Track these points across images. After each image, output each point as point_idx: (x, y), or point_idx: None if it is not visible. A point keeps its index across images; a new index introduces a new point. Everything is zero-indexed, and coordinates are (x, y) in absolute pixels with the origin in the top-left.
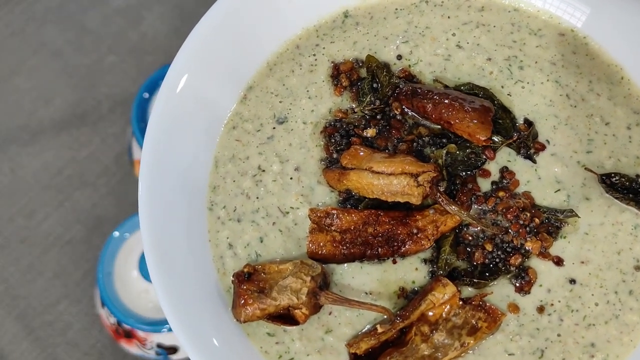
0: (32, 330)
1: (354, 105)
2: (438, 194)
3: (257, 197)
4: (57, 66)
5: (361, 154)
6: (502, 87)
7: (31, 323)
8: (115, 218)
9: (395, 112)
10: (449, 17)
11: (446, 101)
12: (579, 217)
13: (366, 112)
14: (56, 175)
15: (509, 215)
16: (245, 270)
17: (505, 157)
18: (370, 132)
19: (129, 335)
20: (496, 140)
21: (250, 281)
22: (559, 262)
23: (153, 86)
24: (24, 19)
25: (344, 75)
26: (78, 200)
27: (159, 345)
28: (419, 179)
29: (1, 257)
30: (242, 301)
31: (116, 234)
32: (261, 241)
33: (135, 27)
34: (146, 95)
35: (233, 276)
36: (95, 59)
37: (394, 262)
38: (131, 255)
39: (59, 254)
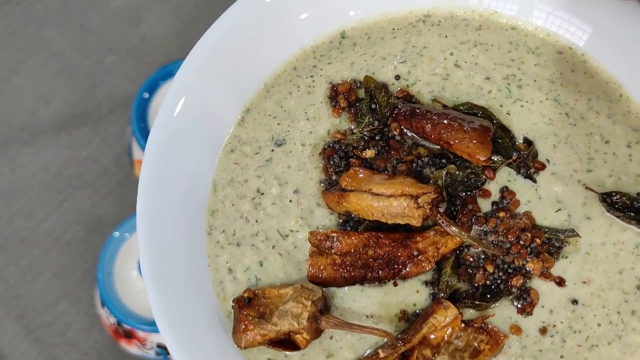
0: (32, 330)
1: (352, 126)
2: (438, 215)
3: (257, 221)
4: (57, 66)
5: (360, 175)
6: (501, 106)
7: (31, 323)
8: (115, 218)
9: (394, 132)
10: (446, 37)
11: (445, 121)
12: (580, 236)
13: (365, 133)
14: (56, 175)
15: (509, 236)
16: (245, 295)
17: (506, 177)
18: (369, 153)
19: (129, 335)
20: (496, 160)
21: (250, 306)
22: (560, 282)
23: (153, 86)
24: (23, 19)
25: (342, 96)
26: (78, 201)
27: (159, 345)
28: (419, 200)
29: (1, 257)
30: (243, 327)
31: (116, 234)
32: (261, 265)
33: (135, 28)
34: (146, 95)
35: (233, 301)
36: (95, 60)
37: (395, 284)
38: (131, 255)
39: (59, 254)
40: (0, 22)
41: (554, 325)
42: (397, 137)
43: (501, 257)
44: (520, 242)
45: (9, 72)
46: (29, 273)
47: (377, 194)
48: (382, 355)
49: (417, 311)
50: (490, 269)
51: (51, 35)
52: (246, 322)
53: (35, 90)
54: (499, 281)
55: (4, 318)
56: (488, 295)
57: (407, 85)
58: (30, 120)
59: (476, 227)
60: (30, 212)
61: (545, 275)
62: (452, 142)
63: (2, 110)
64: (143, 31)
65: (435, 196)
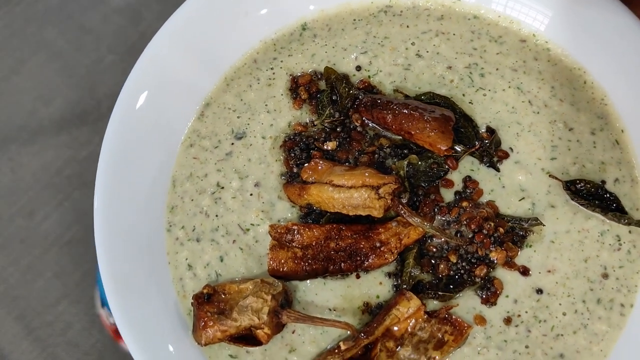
0: (32, 330)
1: (313, 118)
2: (400, 206)
3: (217, 215)
4: (56, 66)
5: (321, 167)
6: (464, 95)
7: (31, 323)
8: None
9: (356, 123)
10: (407, 27)
11: (405, 111)
12: (544, 225)
13: (326, 124)
14: (56, 174)
15: (472, 226)
16: (205, 291)
17: (469, 166)
18: (330, 145)
19: None
20: (458, 149)
21: (210, 302)
22: (525, 271)
23: None
24: (23, 19)
25: (303, 88)
26: (78, 200)
27: None
28: (380, 191)
29: (1, 257)
30: (202, 323)
31: None
32: (221, 260)
33: (134, 27)
34: None
35: (192, 298)
36: (94, 59)
37: (358, 277)
38: None
39: (59, 254)
40: (0, 22)
41: (519, 315)
42: (359, 129)
43: (464, 247)
44: (484, 231)
45: (9, 72)
46: (29, 273)
47: (338, 186)
48: (343, 347)
49: (381, 303)
50: (453, 259)
51: (51, 35)
52: (206, 319)
53: (35, 89)
54: (462, 271)
55: (5, 318)
56: (452, 286)
57: (369, 76)
58: (30, 119)
59: (439, 217)
60: (31, 212)
61: (509, 264)
62: (413, 132)
63: (2, 110)
64: (143, 30)
65: (396, 186)
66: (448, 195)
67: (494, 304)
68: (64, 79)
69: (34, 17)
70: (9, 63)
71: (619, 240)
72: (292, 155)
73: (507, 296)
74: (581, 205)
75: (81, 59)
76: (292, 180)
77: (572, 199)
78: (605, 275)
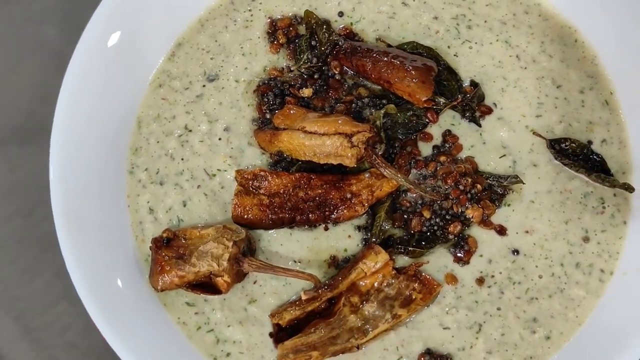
0: (31, 330)
1: (290, 64)
2: (374, 156)
3: (182, 159)
4: (55, 66)
5: (293, 112)
6: (449, 47)
7: (30, 324)
8: None
9: (334, 71)
10: None
11: (385, 59)
12: (524, 183)
13: (303, 70)
14: None
15: (449, 181)
16: (164, 235)
17: (449, 120)
18: (306, 92)
19: None
20: (439, 102)
21: (169, 247)
22: (501, 231)
23: None
24: (22, 19)
25: (281, 32)
26: None
27: None
28: (353, 139)
29: (0, 257)
30: (159, 268)
31: None
32: (184, 205)
33: None
34: None
35: (151, 242)
36: None
37: (326, 228)
38: None
39: (58, 254)
40: None
41: (492, 276)
42: (337, 76)
43: (439, 202)
44: (460, 187)
45: (7, 72)
46: (28, 273)
47: (310, 132)
48: (304, 297)
49: (348, 257)
50: (427, 214)
51: (49, 34)
52: (163, 263)
53: (34, 89)
54: (435, 228)
55: (3, 318)
56: (424, 242)
57: (351, 23)
58: (29, 119)
59: (414, 171)
60: (29, 212)
61: (486, 223)
62: (392, 81)
63: (1, 110)
64: None
65: (370, 135)
66: (426, 149)
67: (466, 263)
68: (63, 79)
69: (32, 17)
70: (7, 62)
71: (603, 203)
72: (266, 100)
73: (481, 255)
74: (565, 164)
75: None
76: (264, 126)
77: (556, 158)
78: (586, 239)
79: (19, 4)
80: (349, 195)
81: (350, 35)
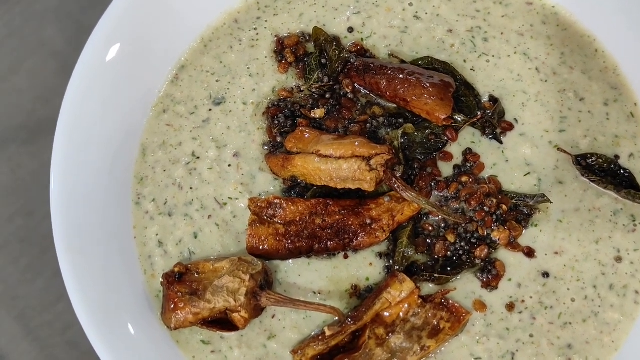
0: (32, 330)
1: (300, 84)
2: (393, 179)
3: (191, 188)
4: (56, 65)
5: (307, 136)
6: (465, 61)
7: (30, 323)
8: None
9: (346, 89)
10: None
11: (401, 76)
12: (551, 202)
13: (314, 90)
14: None
15: (473, 202)
16: (176, 270)
17: (469, 138)
18: (318, 113)
19: None
20: (458, 119)
21: (181, 282)
22: (529, 253)
23: None
24: (23, 19)
25: (289, 50)
26: None
27: None
28: (372, 162)
29: (0, 256)
30: (172, 305)
31: None
32: (195, 237)
33: None
34: None
35: (162, 277)
36: None
37: (346, 257)
38: None
39: None
40: None
41: (523, 301)
42: (350, 95)
43: (464, 225)
44: (485, 208)
45: (8, 72)
46: (29, 272)
47: (326, 156)
48: (328, 333)
49: (370, 286)
50: (451, 238)
51: (50, 34)
52: (176, 300)
53: (35, 89)
54: (461, 252)
55: (4, 317)
56: (449, 268)
57: (362, 39)
58: (29, 119)
59: (436, 193)
60: (30, 212)
61: (513, 245)
62: (409, 99)
63: (2, 110)
64: None
65: (389, 157)
66: (446, 169)
67: (495, 288)
68: (63, 78)
69: (32, 17)
70: (8, 62)
71: (634, 221)
72: (276, 123)
73: (509, 280)
74: (592, 181)
75: None
76: (275, 150)
77: (583, 175)
78: (619, 259)
79: (19, 4)
80: (368, 221)
81: (361, 51)
